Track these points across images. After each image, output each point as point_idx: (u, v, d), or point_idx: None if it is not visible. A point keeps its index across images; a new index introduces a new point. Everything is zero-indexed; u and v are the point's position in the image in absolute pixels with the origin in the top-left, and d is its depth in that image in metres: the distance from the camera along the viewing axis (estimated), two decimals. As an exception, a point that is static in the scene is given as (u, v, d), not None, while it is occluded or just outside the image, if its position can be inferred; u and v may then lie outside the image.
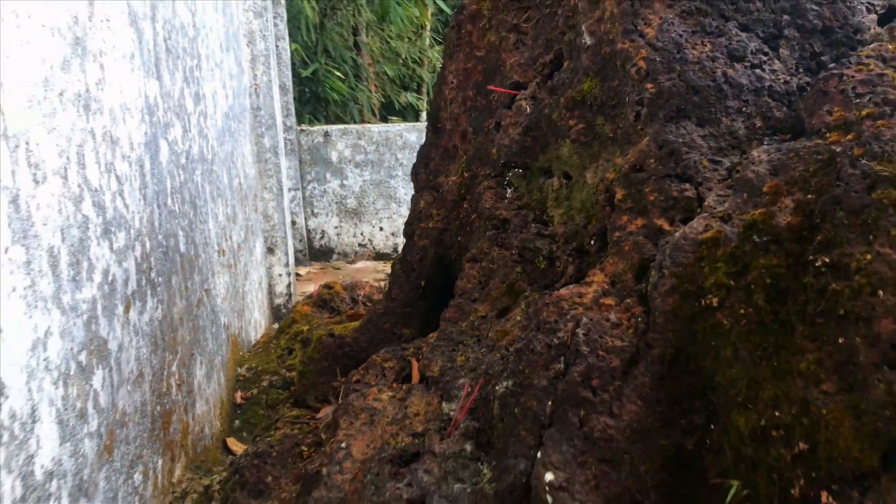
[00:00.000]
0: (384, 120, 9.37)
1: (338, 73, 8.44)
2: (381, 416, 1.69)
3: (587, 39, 1.48)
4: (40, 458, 1.27)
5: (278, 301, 4.61)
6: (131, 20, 1.97)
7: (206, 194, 2.88)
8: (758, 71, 1.28)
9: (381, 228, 5.92)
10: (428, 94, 10.15)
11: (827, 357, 1.04)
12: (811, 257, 1.09)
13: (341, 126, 5.90)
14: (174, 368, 2.24)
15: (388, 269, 3.86)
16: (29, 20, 1.32)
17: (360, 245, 5.93)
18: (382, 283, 3.94)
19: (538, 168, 1.66)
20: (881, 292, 1.00)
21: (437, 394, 1.61)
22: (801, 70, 1.29)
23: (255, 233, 4.21)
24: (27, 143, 1.28)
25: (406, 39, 10.04)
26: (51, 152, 1.38)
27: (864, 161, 1.07)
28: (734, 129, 1.27)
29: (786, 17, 1.30)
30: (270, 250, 4.55)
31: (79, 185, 1.52)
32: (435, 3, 9.51)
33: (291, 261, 4.71)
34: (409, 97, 9.95)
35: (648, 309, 1.24)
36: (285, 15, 5.34)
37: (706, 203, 1.24)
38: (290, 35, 7.85)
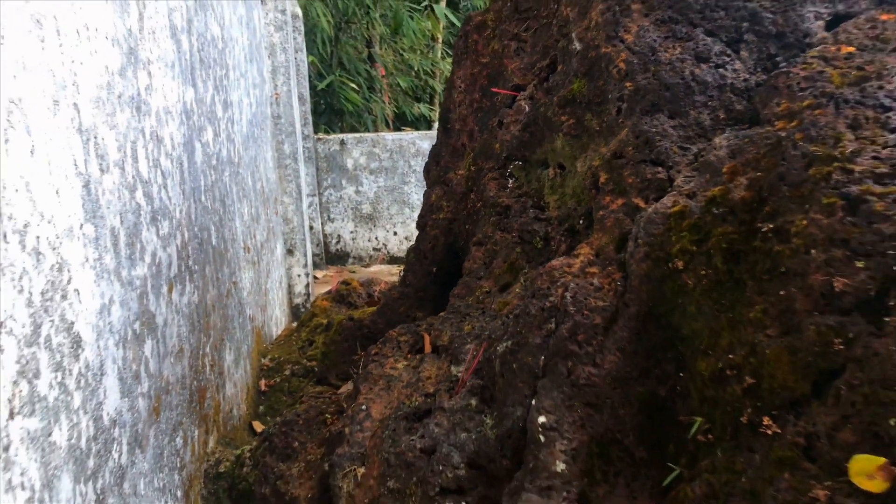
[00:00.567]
0: (397, 130, 9.59)
1: (352, 85, 8.69)
2: (396, 381, 1.90)
3: (577, 45, 1.69)
4: (106, 407, 1.49)
5: (297, 300, 4.83)
6: (172, 32, 2.20)
7: (233, 194, 3.10)
8: (721, 70, 1.49)
9: (394, 233, 6.14)
10: (440, 104, 10.37)
11: (771, 307, 1.24)
12: (760, 225, 1.29)
13: (357, 134, 6.14)
14: (207, 350, 2.45)
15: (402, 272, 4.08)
16: (96, 33, 1.54)
17: (374, 249, 6.15)
18: (396, 281, 4.15)
19: (536, 160, 1.87)
20: (814, 251, 1.20)
21: (446, 359, 1.81)
22: (758, 69, 1.49)
23: (276, 234, 4.44)
24: (95, 137, 1.51)
25: (419, 52, 10.28)
26: (112, 146, 1.61)
27: (803, 144, 1.28)
28: (700, 120, 1.47)
29: (745, 23, 1.50)
30: (290, 252, 4.78)
31: (133, 177, 1.74)
32: (447, 16, 9.77)
33: (310, 262, 4.94)
34: (422, 108, 10.18)
35: (626, 274, 1.44)
36: (303, 28, 5.58)
37: (675, 183, 1.44)
38: (307, 48, 8.11)
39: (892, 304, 1.13)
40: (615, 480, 1.42)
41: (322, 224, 6.08)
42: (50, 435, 1.22)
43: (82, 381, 1.36)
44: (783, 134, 1.32)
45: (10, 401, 1.09)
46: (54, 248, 1.28)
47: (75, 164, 1.39)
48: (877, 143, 1.24)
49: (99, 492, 1.41)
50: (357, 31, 9.67)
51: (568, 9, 1.77)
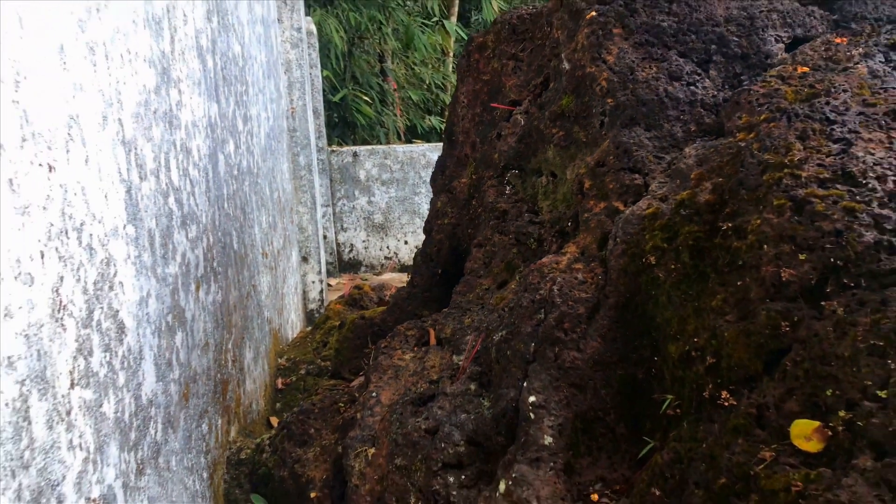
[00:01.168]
0: (409, 142, 9.80)
1: (365, 99, 8.91)
2: (404, 370, 2.07)
3: (566, 65, 1.87)
4: (145, 388, 1.67)
5: (312, 306, 5.02)
6: (199, 53, 2.40)
7: (252, 203, 3.30)
8: (692, 87, 1.66)
9: (405, 242, 6.33)
10: (451, 117, 10.54)
11: (730, 296, 1.41)
12: (721, 224, 1.46)
13: (369, 147, 6.34)
14: (230, 346, 2.64)
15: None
16: (136, 56, 1.74)
17: (385, 258, 6.34)
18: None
19: (531, 169, 2.05)
20: (766, 246, 1.37)
21: (449, 350, 1.99)
22: (725, 86, 1.67)
23: (292, 242, 4.63)
24: (135, 149, 1.70)
25: (430, 66, 10.51)
26: (149, 156, 1.80)
27: (758, 153, 1.45)
28: (674, 132, 1.65)
29: (714, 46, 1.68)
30: (305, 259, 4.97)
31: (166, 184, 1.93)
32: (457, 31, 9.99)
33: (324, 269, 5.13)
34: (433, 120, 10.39)
35: (606, 269, 1.62)
36: (317, 44, 5.80)
37: (650, 188, 1.61)
38: (321, 63, 8.34)
39: (829, 290, 1.30)
40: (598, 454, 1.59)
41: (335, 233, 6.28)
42: (101, 406, 1.40)
43: (125, 363, 1.55)
44: (743, 144, 1.50)
45: (70, 373, 1.27)
46: (104, 245, 1.47)
47: (119, 172, 1.58)
48: (822, 151, 1.41)
49: (139, 461, 1.59)
50: (370, 46, 9.91)
51: (559, 32, 1.95)
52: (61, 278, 1.26)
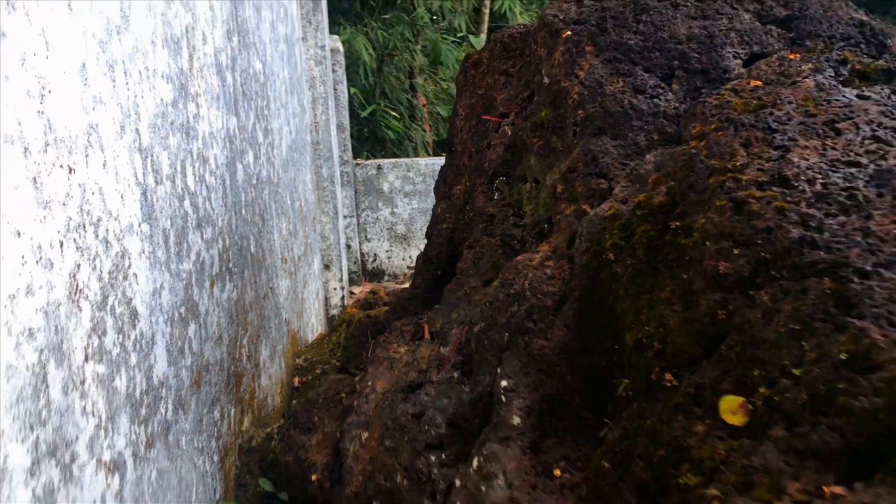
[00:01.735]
0: (437, 156, 10.00)
1: (393, 114, 9.14)
2: (398, 362, 2.23)
3: (545, 80, 2.02)
4: (156, 370, 1.85)
5: (333, 312, 5.21)
6: (217, 70, 2.61)
7: (272, 211, 3.50)
8: (655, 100, 1.81)
9: (428, 252, 6.50)
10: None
11: (677, 288, 1.55)
12: (672, 224, 1.60)
13: (392, 160, 6.54)
14: (244, 342, 2.82)
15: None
16: (154, 73, 1.94)
17: (408, 267, 6.52)
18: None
19: (517, 176, 2.20)
20: (708, 242, 1.51)
21: (438, 343, 2.15)
22: (687, 99, 1.81)
23: (314, 250, 4.83)
24: (151, 156, 1.89)
25: (458, 81, 10.71)
26: (165, 163, 1.99)
27: (706, 158, 1.59)
28: (637, 140, 1.79)
29: (676, 62, 1.82)
30: (327, 267, 5.17)
31: (182, 189, 2.12)
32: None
33: (345, 277, 5.32)
34: (461, 135, 10.55)
35: (573, 265, 1.76)
36: (343, 62, 6.02)
37: (614, 192, 1.76)
38: (351, 80, 8.59)
39: (759, 281, 1.43)
40: (563, 434, 1.73)
41: (360, 243, 6.48)
42: (113, 381, 1.59)
43: (137, 346, 1.73)
44: (694, 151, 1.64)
45: (85, 348, 1.46)
46: (119, 240, 1.65)
47: (136, 176, 1.77)
48: (762, 157, 1.55)
49: (149, 435, 1.77)
50: (399, 62, 10.16)
51: (541, 49, 2.11)
52: (78, 266, 1.44)
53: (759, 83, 1.74)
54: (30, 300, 1.26)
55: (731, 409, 1.35)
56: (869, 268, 1.29)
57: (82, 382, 1.44)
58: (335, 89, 5.69)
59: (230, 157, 2.72)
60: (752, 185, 1.51)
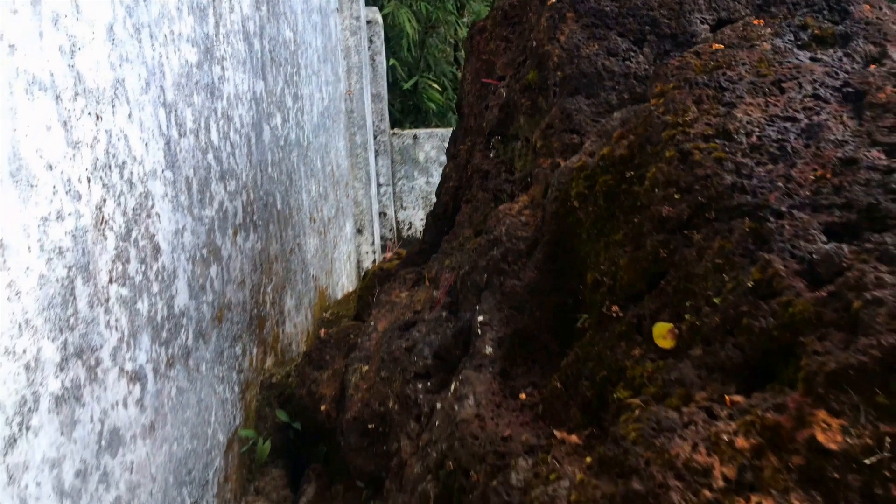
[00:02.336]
0: (479, 129, 10.12)
1: (435, 86, 9.30)
2: (398, 305, 2.45)
3: (534, 44, 2.19)
4: (177, 301, 2.10)
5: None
6: (244, 36, 2.83)
7: (300, 172, 3.73)
8: (627, 62, 1.96)
9: (461, 220, 6.70)
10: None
11: (630, 231, 1.72)
12: (628, 174, 1.77)
13: (428, 130, 6.73)
14: (269, 290, 3.07)
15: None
16: (179, 37, 2.17)
17: (442, 234, 6.74)
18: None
19: (510, 135, 2.38)
20: (656, 189, 1.67)
21: (432, 287, 2.35)
22: (656, 62, 1.96)
23: (346, 214, 5.07)
24: (175, 111, 2.12)
25: (502, 55, 10.80)
26: (189, 118, 2.23)
27: (662, 114, 1.75)
28: (609, 100, 1.95)
29: (647, 27, 1.97)
30: (359, 231, 5.41)
31: (205, 143, 2.36)
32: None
33: (377, 241, 5.55)
34: (503, 108, 10.66)
35: (545, 213, 1.94)
36: (382, 33, 6.22)
37: (584, 146, 1.93)
38: (394, 52, 8.78)
39: (696, 223, 1.59)
40: (531, 364, 1.92)
41: (395, 211, 6.71)
42: (135, 304, 1.83)
43: (159, 277, 1.98)
44: (653, 108, 1.79)
45: (109, 272, 1.70)
46: (143, 182, 1.89)
47: (160, 128, 2.01)
48: (710, 113, 1.70)
49: (169, 356, 2.02)
50: (444, 35, 10.30)
51: (534, 16, 2.27)
52: (104, 200, 1.68)
53: (720, 46, 1.88)
54: (60, 224, 1.50)
55: (662, 334, 1.53)
56: (784, 209, 1.45)
57: (106, 300, 1.68)
58: (373, 60, 5.89)
59: (256, 119, 2.95)
60: (698, 137, 1.67)
